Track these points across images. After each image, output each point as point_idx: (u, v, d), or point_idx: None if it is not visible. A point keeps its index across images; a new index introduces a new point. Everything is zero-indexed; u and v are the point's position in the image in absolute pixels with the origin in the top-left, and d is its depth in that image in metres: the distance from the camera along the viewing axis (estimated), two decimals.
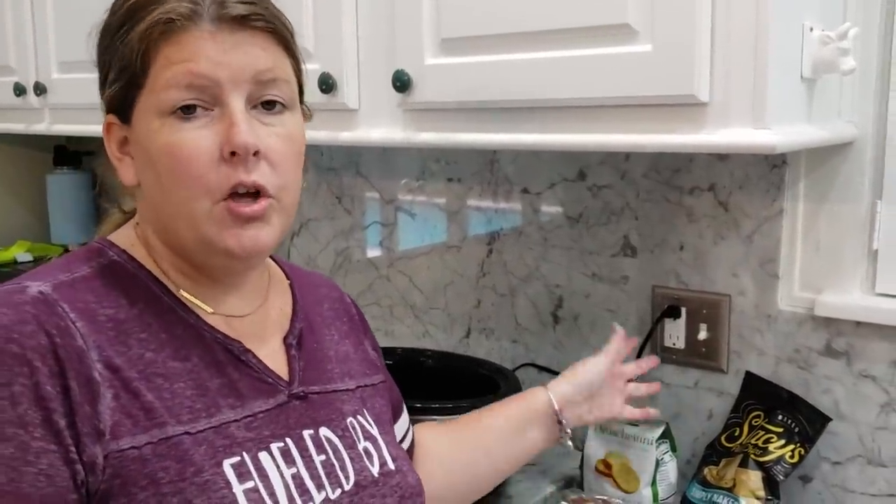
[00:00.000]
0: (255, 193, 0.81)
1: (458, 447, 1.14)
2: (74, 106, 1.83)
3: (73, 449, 0.73)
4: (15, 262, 2.25)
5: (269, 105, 0.83)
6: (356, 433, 0.93)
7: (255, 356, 0.88)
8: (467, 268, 1.71)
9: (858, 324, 1.29)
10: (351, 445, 0.91)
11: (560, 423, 1.18)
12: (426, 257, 1.77)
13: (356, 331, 1.07)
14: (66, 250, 2.37)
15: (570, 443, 1.19)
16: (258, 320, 0.92)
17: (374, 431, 0.96)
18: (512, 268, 1.65)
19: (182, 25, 0.79)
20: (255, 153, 0.80)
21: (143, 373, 0.79)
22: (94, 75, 1.71)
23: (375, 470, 0.92)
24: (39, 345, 0.74)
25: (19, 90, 1.92)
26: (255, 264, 0.90)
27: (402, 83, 1.23)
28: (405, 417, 1.10)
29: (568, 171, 1.55)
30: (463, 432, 1.17)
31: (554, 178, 1.57)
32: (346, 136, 1.33)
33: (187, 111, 0.79)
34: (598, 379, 1.23)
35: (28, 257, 2.28)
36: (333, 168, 1.87)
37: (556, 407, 1.18)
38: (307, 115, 0.91)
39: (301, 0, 1.32)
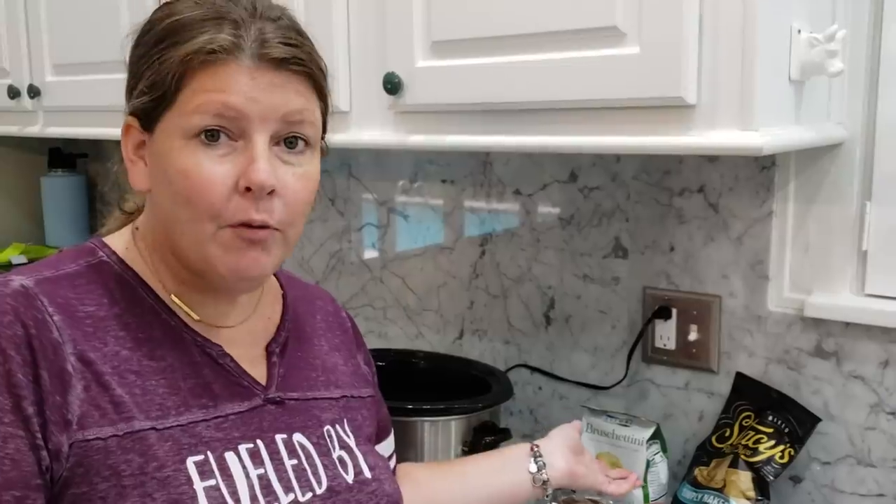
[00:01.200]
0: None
1: (437, 480, 1.14)
2: (68, 108, 1.83)
3: (39, 436, 0.76)
4: (9, 264, 2.25)
5: (291, 143, 0.84)
6: (331, 442, 0.94)
7: (233, 360, 0.89)
8: (460, 269, 1.71)
9: (848, 325, 1.29)
10: (325, 453, 0.92)
11: (536, 461, 1.14)
12: (419, 259, 1.78)
13: (348, 344, 1.07)
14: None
15: (547, 489, 1.14)
16: (244, 331, 0.93)
17: (351, 442, 0.96)
18: (504, 269, 1.65)
19: (223, 58, 0.80)
20: (270, 192, 0.81)
21: (117, 369, 0.81)
22: (87, 77, 1.72)
23: (350, 477, 0.92)
24: (15, 335, 0.77)
25: (13, 93, 1.92)
26: (249, 288, 0.91)
27: (392, 85, 1.23)
28: (391, 440, 1.11)
29: (560, 173, 1.55)
30: (441, 467, 1.19)
31: (546, 180, 1.57)
32: (338, 138, 1.33)
33: (211, 138, 0.81)
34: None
35: (22, 259, 2.28)
36: (326, 170, 1.87)
37: (533, 445, 1.15)
38: (324, 151, 0.93)
39: (292, 1, 1.33)
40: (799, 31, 1.08)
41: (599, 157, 1.50)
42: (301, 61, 0.83)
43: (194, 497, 0.79)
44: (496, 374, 1.53)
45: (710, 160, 1.38)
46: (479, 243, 1.68)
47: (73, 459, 0.76)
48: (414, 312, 1.79)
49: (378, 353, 1.64)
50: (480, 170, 1.66)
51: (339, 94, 1.32)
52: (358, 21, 1.30)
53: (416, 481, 1.10)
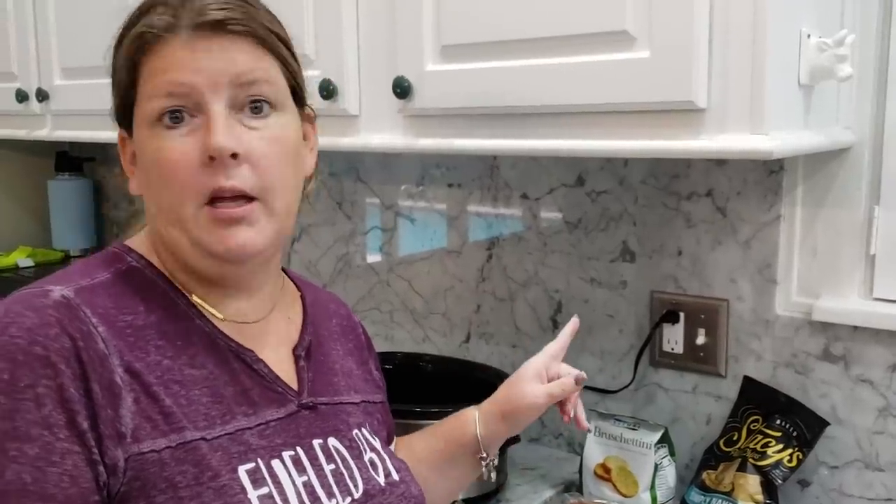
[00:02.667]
0: (241, 197, 0.82)
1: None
2: (76, 112, 1.84)
3: (95, 451, 0.74)
4: (16, 267, 2.26)
5: (255, 108, 0.83)
6: (362, 444, 0.94)
7: (266, 365, 0.89)
8: (467, 273, 1.71)
9: (856, 328, 1.29)
10: (358, 456, 0.92)
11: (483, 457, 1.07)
12: (426, 262, 1.78)
13: (360, 350, 1.07)
14: (68, 256, 2.38)
15: (492, 475, 1.08)
16: (269, 328, 0.93)
17: (377, 444, 0.97)
18: (511, 273, 1.65)
19: (160, 37, 0.81)
20: (234, 156, 0.80)
21: (161, 379, 0.80)
22: (95, 81, 1.72)
23: (382, 480, 0.93)
24: (63, 348, 0.75)
25: (21, 96, 1.92)
26: (252, 267, 0.89)
27: (402, 89, 1.23)
28: (393, 445, 1.10)
29: (567, 177, 1.56)
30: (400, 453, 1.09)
31: (553, 184, 1.58)
32: (347, 141, 1.34)
33: (174, 120, 0.81)
34: (530, 394, 1.06)
35: (29, 263, 2.28)
36: (334, 173, 1.88)
37: (483, 449, 1.06)
38: (310, 116, 0.92)
39: (302, 6, 1.33)
40: (808, 36, 1.08)
41: (607, 160, 1.50)
42: (238, 20, 0.82)
43: None
44: (503, 377, 1.52)
45: (719, 164, 1.39)
46: (486, 247, 1.68)
47: (130, 473, 0.75)
48: (421, 316, 1.80)
49: (385, 357, 1.66)
50: (487, 174, 1.66)
51: (349, 98, 1.32)
52: (368, 25, 1.30)
53: (411, 450, 1.09)
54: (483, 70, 1.18)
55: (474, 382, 1.52)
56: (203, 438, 0.79)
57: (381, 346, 1.82)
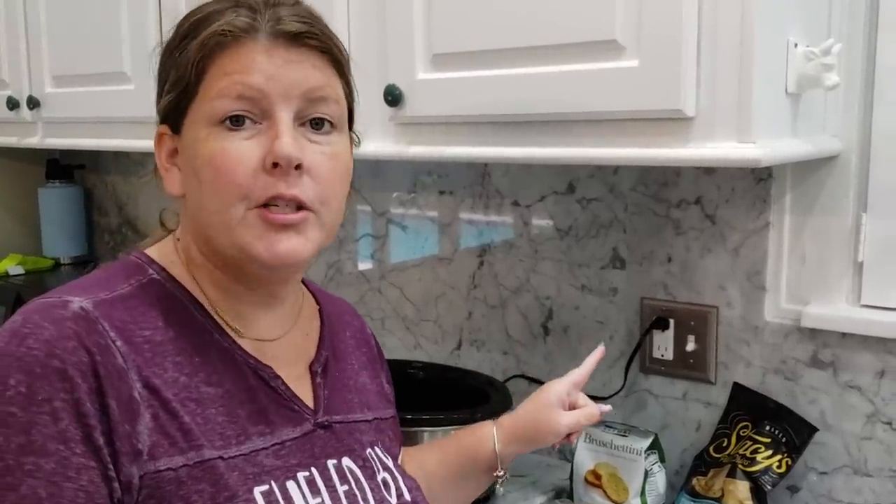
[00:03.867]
0: (296, 206, 0.82)
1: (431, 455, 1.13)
2: (67, 120, 1.83)
3: (111, 467, 0.73)
4: (7, 275, 2.26)
5: (317, 124, 0.84)
6: (375, 464, 0.93)
7: (283, 382, 0.88)
8: (458, 280, 1.72)
9: (844, 335, 1.30)
10: (371, 476, 0.91)
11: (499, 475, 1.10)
12: (417, 269, 1.78)
13: (374, 363, 1.07)
14: (58, 264, 2.38)
15: (500, 487, 1.11)
16: (288, 344, 0.92)
17: (390, 463, 0.96)
18: (503, 280, 1.66)
19: (238, 38, 0.81)
20: (298, 167, 0.80)
21: (178, 396, 0.78)
22: (86, 89, 1.72)
23: (394, 500, 0.92)
24: (80, 361, 0.73)
25: (12, 104, 1.92)
26: (289, 275, 0.89)
27: (393, 97, 1.24)
28: (400, 458, 1.10)
29: (558, 185, 1.56)
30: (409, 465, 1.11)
31: (544, 191, 1.58)
32: None
33: (235, 122, 0.81)
34: (548, 415, 1.09)
35: (20, 270, 2.28)
36: None
37: (500, 469, 1.09)
38: (355, 142, 0.93)
39: None
40: (795, 45, 1.09)
41: (597, 168, 1.51)
42: (316, 36, 0.83)
43: None
44: (494, 384, 1.54)
45: (707, 172, 1.39)
46: (478, 254, 1.69)
47: (145, 491, 0.74)
48: (412, 323, 1.80)
49: None
50: (479, 181, 1.67)
51: None
52: (359, 33, 1.31)
53: (421, 463, 1.09)
54: (474, 78, 1.18)
55: (466, 389, 1.53)
56: (220, 457, 0.78)
57: None
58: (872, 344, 1.28)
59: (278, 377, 0.87)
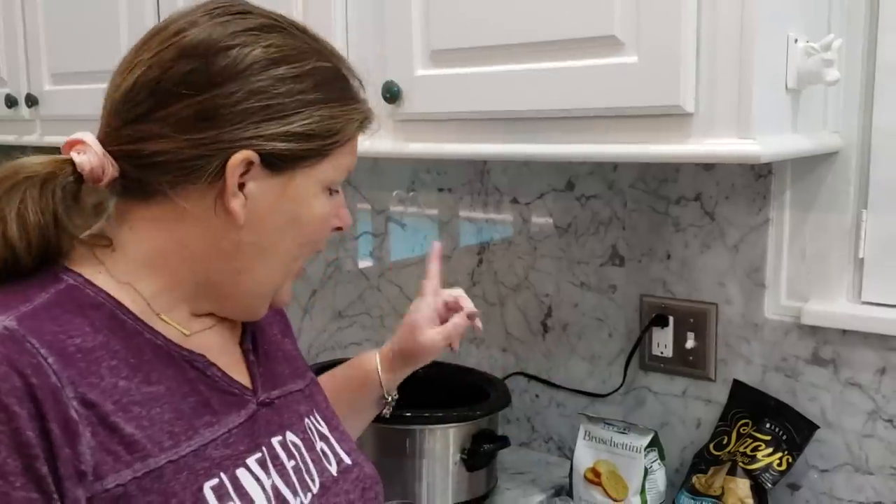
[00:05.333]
0: None
1: None
2: (66, 117, 1.82)
3: (55, 496, 0.69)
4: None
5: None
6: (313, 435, 0.93)
7: (219, 369, 0.85)
8: (457, 278, 1.71)
9: (845, 332, 1.30)
10: (310, 448, 0.91)
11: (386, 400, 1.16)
12: (417, 267, 1.78)
13: (288, 328, 1.07)
14: None
15: (387, 411, 1.17)
16: (217, 334, 0.90)
17: (325, 430, 0.96)
18: (502, 277, 1.65)
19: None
20: None
21: (119, 403, 0.75)
22: (86, 87, 1.72)
23: (334, 469, 0.92)
24: (14, 387, 0.68)
25: (11, 101, 1.92)
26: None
27: (392, 94, 1.23)
28: None
29: (557, 182, 1.56)
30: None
31: (543, 189, 1.58)
32: None
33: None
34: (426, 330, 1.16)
35: None
36: None
37: (386, 392, 1.15)
38: None
39: (291, 12, 1.33)
40: (796, 41, 1.09)
41: (596, 165, 1.50)
42: None
43: None
44: (494, 382, 1.53)
45: (707, 168, 1.39)
46: (477, 252, 1.68)
47: None
48: None
49: None
50: (477, 179, 1.66)
51: None
52: (357, 30, 1.30)
53: None
54: (472, 75, 1.18)
55: (465, 387, 1.52)
56: (169, 461, 0.76)
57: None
58: (873, 341, 1.28)
59: (213, 365, 0.85)
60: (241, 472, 0.81)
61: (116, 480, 0.72)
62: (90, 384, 0.73)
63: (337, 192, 0.89)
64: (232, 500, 0.79)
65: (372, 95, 1.25)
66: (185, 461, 0.77)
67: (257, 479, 0.82)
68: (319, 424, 0.96)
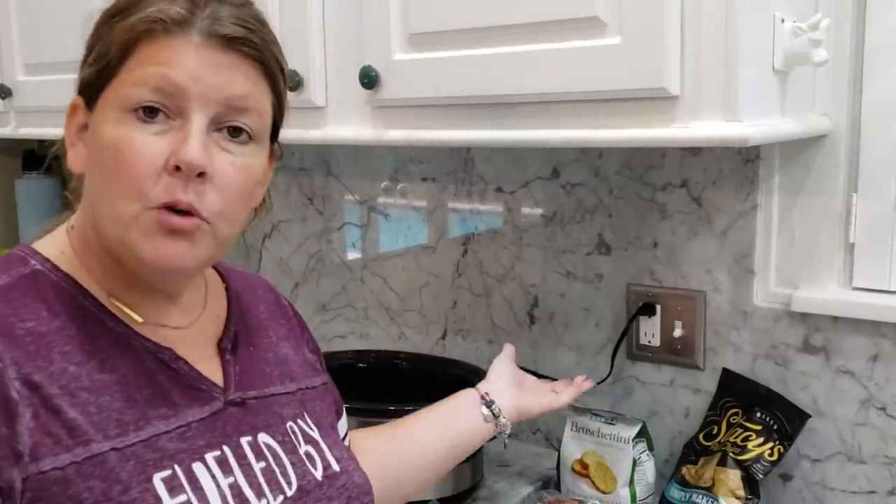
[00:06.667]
0: (190, 214, 0.78)
1: (387, 444, 1.12)
2: (42, 109, 1.79)
3: None
4: None
5: (235, 132, 0.80)
6: (296, 438, 0.91)
7: (186, 363, 0.84)
8: (442, 269, 1.69)
9: (836, 319, 1.27)
10: (292, 451, 0.89)
11: (489, 407, 1.18)
12: (400, 258, 1.75)
13: (294, 332, 1.04)
14: None
15: (506, 432, 1.19)
16: (195, 332, 0.89)
17: (316, 435, 0.93)
18: (487, 268, 1.63)
19: (169, 30, 0.77)
20: (201, 174, 0.77)
21: (67, 388, 0.75)
22: (60, 77, 1.68)
23: (319, 474, 0.90)
24: None
25: None
26: (176, 281, 0.86)
27: (369, 79, 1.20)
28: (344, 419, 1.08)
29: (542, 170, 1.53)
30: (391, 430, 1.16)
31: (528, 177, 1.55)
32: (315, 134, 1.31)
33: (149, 114, 0.77)
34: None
35: None
36: (304, 168, 1.84)
37: (482, 392, 1.19)
38: (276, 155, 0.90)
39: None
40: (782, 21, 1.06)
41: (582, 152, 1.48)
42: (253, 44, 0.79)
43: None
44: (480, 373, 1.50)
45: (694, 154, 1.37)
46: (462, 242, 1.66)
47: (29, 495, 0.70)
48: (396, 313, 1.77)
49: (358, 355, 1.63)
50: (462, 167, 1.63)
51: (315, 89, 1.29)
52: (333, 13, 1.27)
53: (364, 449, 1.06)
54: (452, 59, 1.15)
55: (451, 379, 1.50)
56: (114, 449, 0.74)
57: (355, 345, 1.80)
58: (865, 327, 1.25)
59: (180, 359, 0.84)
60: (196, 467, 0.79)
61: (54, 464, 0.72)
62: (37, 367, 0.74)
63: (156, 116, 0.77)
64: (185, 492, 0.77)
65: (349, 80, 1.24)
66: (132, 450, 0.76)
67: (213, 476, 0.80)
68: (309, 428, 0.93)
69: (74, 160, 0.83)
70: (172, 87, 0.76)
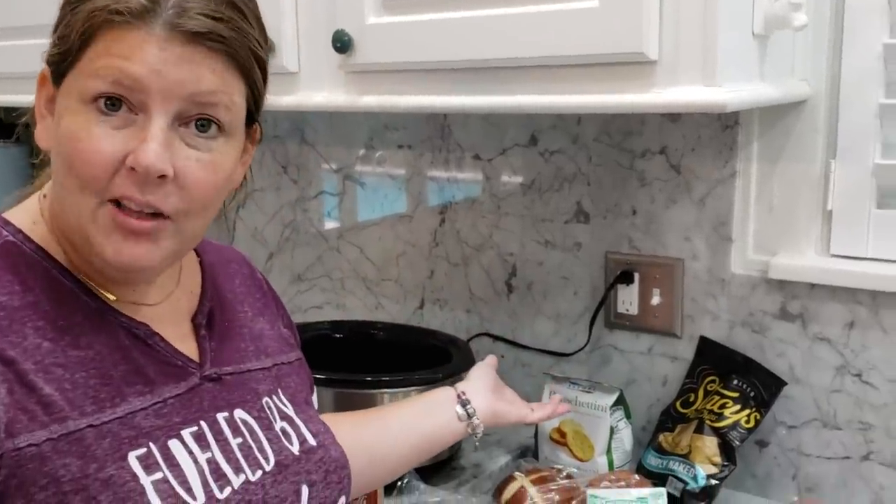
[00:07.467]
0: (151, 212, 0.75)
1: (359, 429, 1.09)
2: (9, 75, 1.75)
3: None
4: None
5: (203, 126, 0.76)
6: (272, 414, 0.90)
7: (162, 339, 0.83)
8: (419, 238, 1.67)
9: (813, 286, 1.27)
10: (268, 427, 0.88)
11: (464, 406, 1.14)
12: (377, 228, 1.73)
13: (269, 307, 1.02)
14: None
15: (478, 433, 1.15)
16: (169, 308, 0.87)
17: (290, 411, 0.92)
18: (465, 237, 1.61)
19: (130, 21, 0.72)
20: (161, 177, 0.74)
21: (41, 364, 0.73)
22: (27, 42, 1.64)
23: (296, 448, 0.89)
24: None
25: None
26: (137, 280, 0.83)
27: (342, 44, 1.18)
28: (314, 398, 1.06)
29: (520, 137, 1.51)
30: (365, 416, 1.15)
31: (506, 144, 1.53)
32: (287, 100, 1.28)
33: (111, 107, 0.73)
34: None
35: None
36: (278, 136, 1.81)
37: (459, 391, 1.15)
38: (255, 136, 0.85)
39: None
40: None
41: (560, 119, 1.46)
42: (222, 38, 0.74)
43: (143, 493, 0.73)
44: (458, 343, 1.50)
45: (672, 120, 1.35)
46: (439, 211, 1.64)
47: (5, 472, 0.69)
48: (373, 283, 1.75)
49: (336, 325, 1.62)
50: (438, 134, 1.61)
51: (287, 54, 1.26)
52: None
53: (336, 433, 1.03)
54: (426, 22, 1.12)
55: (429, 349, 1.49)
56: (90, 426, 0.73)
57: (332, 315, 1.79)
58: (842, 294, 1.25)
59: (156, 334, 0.82)
60: (173, 444, 0.78)
61: (29, 440, 0.70)
62: (11, 342, 0.72)
63: (119, 108, 0.73)
64: (161, 470, 0.76)
65: (321, 45, 1.21)
66: (108, 427, 0.74)
67: (190, 452, 0.78)
68: (283, 405, 0.92)
69: (41, 135, 0.80)
70: (132, 82, 0.72)
